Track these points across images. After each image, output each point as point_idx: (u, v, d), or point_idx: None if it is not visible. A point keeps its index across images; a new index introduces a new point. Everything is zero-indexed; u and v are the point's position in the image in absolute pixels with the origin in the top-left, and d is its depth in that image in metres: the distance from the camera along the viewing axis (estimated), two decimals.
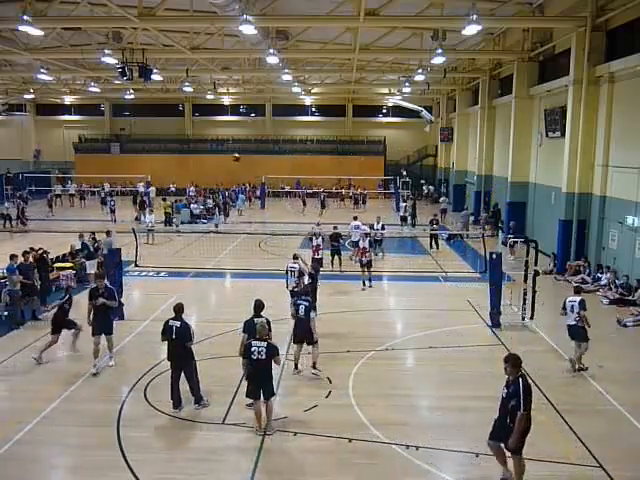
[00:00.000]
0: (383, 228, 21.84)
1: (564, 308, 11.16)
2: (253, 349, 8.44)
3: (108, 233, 17.91)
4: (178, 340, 9.20)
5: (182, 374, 9.32)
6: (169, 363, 9.40)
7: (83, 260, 17.88)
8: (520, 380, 6.96)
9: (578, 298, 11.09)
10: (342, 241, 20.57)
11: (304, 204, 37.15)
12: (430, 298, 16.53)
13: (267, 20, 19.61)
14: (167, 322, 9.39)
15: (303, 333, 10.68)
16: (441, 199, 36.76)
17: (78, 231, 19.95)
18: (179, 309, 9.39)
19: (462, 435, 8.58)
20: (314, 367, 10.80)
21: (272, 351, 8.49)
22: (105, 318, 10.95)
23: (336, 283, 17.66)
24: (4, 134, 50.16)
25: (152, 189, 39.31)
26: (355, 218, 22.01)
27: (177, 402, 9.31)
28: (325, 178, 42.49)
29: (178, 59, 28.46)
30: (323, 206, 35.41)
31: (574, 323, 10.98)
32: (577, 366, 11.04)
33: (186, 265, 19.64)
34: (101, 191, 39.97)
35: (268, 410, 8.63)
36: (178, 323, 9.25)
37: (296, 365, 10.88)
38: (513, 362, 7.11)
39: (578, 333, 10.94)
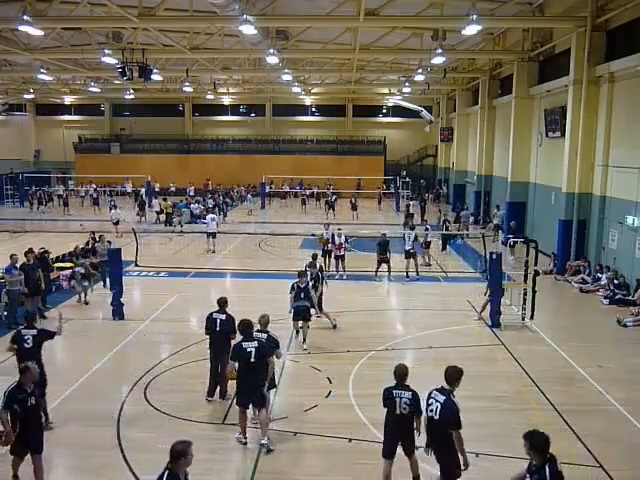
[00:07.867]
0: (334, 238, 18.27)
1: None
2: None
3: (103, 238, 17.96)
4: (221, 332, 9.28)
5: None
6: (209, 354, 9.56)
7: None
8: (547, 469, 5.03)
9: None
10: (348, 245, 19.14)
11: (353, 208, 33.00)
12: (430, 298, 16.53)
13: (267, 20, 19.61)
14: (210, 315, 9.50)
15: None
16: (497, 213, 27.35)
17: (78, 231, 19.93)
18: (223, 302, 9.53)
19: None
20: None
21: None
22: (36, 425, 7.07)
23: (335, 283, 17.63)
24: (4, 134, 50.08)
25: (127, 186, 39.21)
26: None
27: (212, 392, 9.53)
28: (334, 178, 42.54)
29: (178, 59, 28.45)
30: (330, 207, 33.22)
31: None
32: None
33: (186, 265, 19.63)
34: (92, 192, 39.50)
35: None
36: (223, 316, 9.38)
37: None
38: (535, 446, 5.11)
39: None
